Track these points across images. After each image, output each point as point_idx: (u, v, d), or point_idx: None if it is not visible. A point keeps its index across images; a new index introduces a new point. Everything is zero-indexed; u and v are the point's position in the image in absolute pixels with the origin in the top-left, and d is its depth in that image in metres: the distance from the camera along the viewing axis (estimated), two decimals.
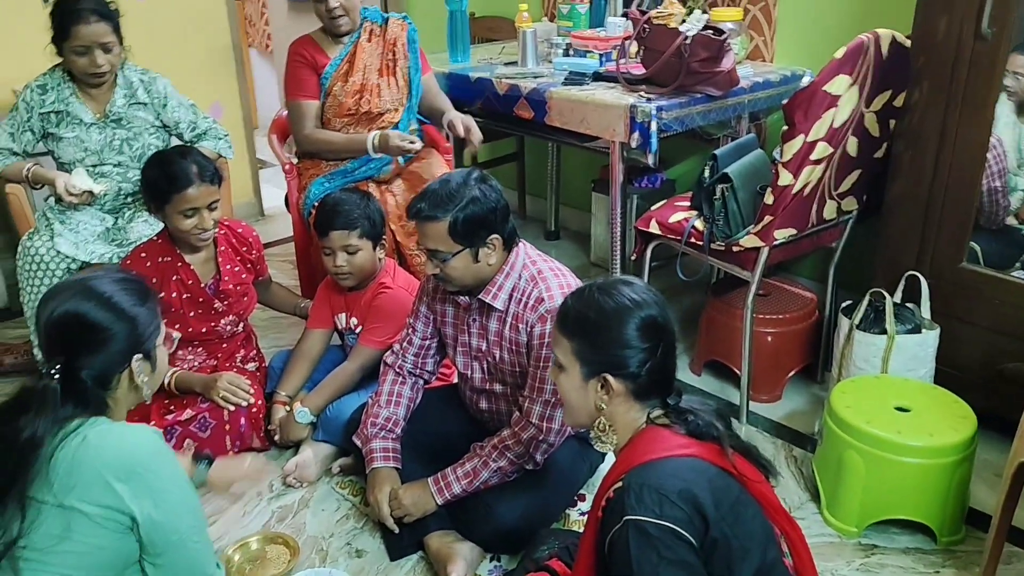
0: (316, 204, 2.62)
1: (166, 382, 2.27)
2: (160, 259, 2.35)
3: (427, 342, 2.19)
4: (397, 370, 2.20)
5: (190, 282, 2.35)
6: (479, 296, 1.99)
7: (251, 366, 2.53)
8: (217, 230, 2.37)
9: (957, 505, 2.03)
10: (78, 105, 2.50)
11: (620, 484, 1.28)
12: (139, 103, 2.58)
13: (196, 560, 1.42)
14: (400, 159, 2.72)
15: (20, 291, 2.48)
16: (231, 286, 2.42)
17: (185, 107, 2.68)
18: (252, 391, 2.34)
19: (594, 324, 1.41)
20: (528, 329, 1.95)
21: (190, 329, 2.38)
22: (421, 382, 2.24)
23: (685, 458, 1.30)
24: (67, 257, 2.43)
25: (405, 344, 2.20)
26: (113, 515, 1.31)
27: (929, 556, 2.02)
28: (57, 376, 1.36)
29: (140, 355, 1.46)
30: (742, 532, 1.26)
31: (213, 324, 2.41)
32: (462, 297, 2.05)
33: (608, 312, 1.40)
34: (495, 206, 1.92)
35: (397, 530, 2.02)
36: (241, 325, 2.53)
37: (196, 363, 2.44)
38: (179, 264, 2.35)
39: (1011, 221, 2.42)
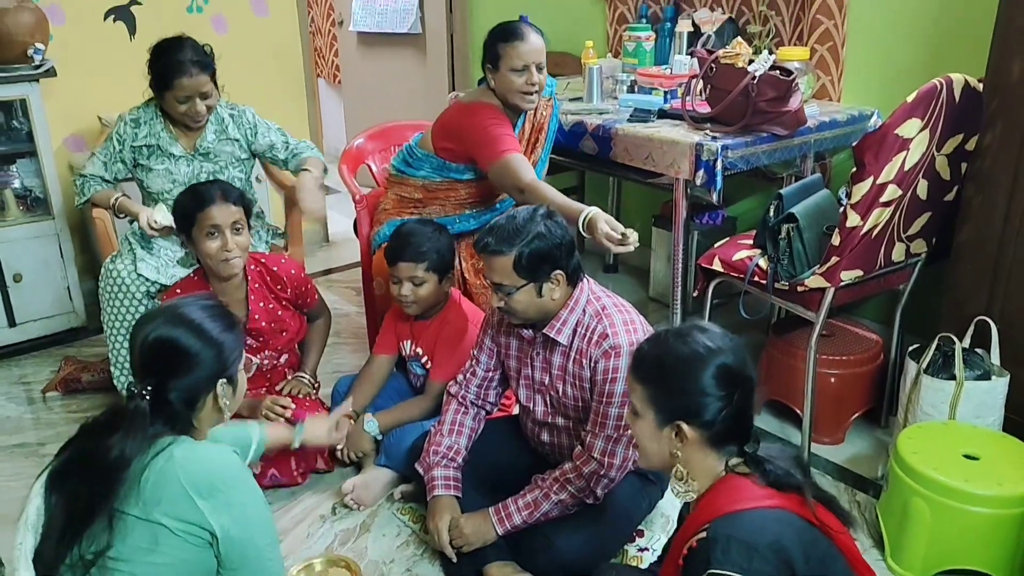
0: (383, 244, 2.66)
1: None
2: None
3: (490, 374, 2.23)
4: (460, 400, 2.24)
5: (218, 305, 2.39)
6: (543, 331, 2.02)
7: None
8: (245, 259, 2.37)
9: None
10: (169, 140, 2.61)
11: (704, 535, 1.26)
12: (229, 138, 2.68)
13: (270, 574, 1.47)
14: None
15: (101, 311, 2.58)
16: (263, 324, 2.43)
17: (274, 131, 2.76)
18: (294, 406, 2.37)
19: (669, 370, 1.40)
20: (592, 364, 1.97)
21: None
22: (483, 413, 2.27)
23: (772, 509, 1.28)
24: (147, 280, 2.53)
25: (469, 375, 2.24)
26: (195, 530, 1.37)
27: None
28: (148, 397, 1.43)
29: (224, 379, 1.52)
30: None
31: (248, 359, 2.45)
32: (526, 331, 2.08)
33: (683, 359, 1.38)
34: (560, 242, 1.95)
35: (456, 559, 2.04)
36: (283, 358, 2.56)
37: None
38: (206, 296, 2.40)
39: None
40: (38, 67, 3.05)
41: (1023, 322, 2.27)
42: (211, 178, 2.64)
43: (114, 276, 2.52)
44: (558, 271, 1.96)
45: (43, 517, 1.39)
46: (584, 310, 2.01)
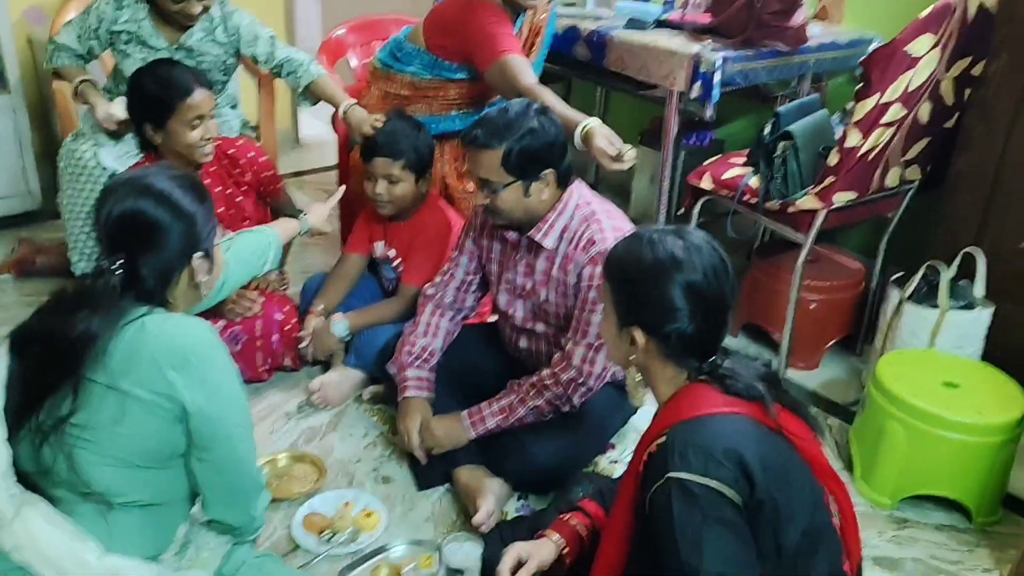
0: None
1: None
2: None
3: (470, 277, 2.15)
4: (436, 302, 2.17)
5: (187, 176, 2.26)
6: (528, 234, 1.95)
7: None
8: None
9: (997, 486, 2.00)
10: (151, 30, 2.43)
11: (663, 440, 1.23)
12: (216, 41, 2.50)
13: (243, 455, 1.42)
14: None
15: (60, 192, 2.45)
16: (221, 209, 2.26)
17: (263, 39, 2.56)
18: (261, 299, 2.30)
19: (632, 275, 1.33)
20: (577, 270, 1.91)
21: None
22: (460, 316, 2.20)
23: (732, 415, 1.24)
24: (106, 169, 2.39)
25: (447, 278, 2.16)
26: (163, 402, 1.31)
27: (963, 535, 1.99)
28: (119, 272, 1.35)
29: (200, 253, 1.44)
30: (790, 494, 1.22)
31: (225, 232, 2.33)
32: (511, 234, 2.00)
33: (649, 266, 1.31)
34: (553, 140, 1.87)
35: (425, 461, 2.00)
36: None
37: None
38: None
39: None
40: None
41: (1012, 255, 2.24)
42: None
43: (76, 157, 2.38)
44: (549, 170, 1.88)
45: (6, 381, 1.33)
46: (573, 214, 1.93)
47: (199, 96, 2.11)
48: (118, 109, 2.34)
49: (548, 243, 1.93)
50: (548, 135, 1.86)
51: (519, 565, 1.53)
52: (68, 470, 1.30)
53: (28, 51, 3.25)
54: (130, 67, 2.43)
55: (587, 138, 2.07)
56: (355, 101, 2.46)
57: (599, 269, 1.85)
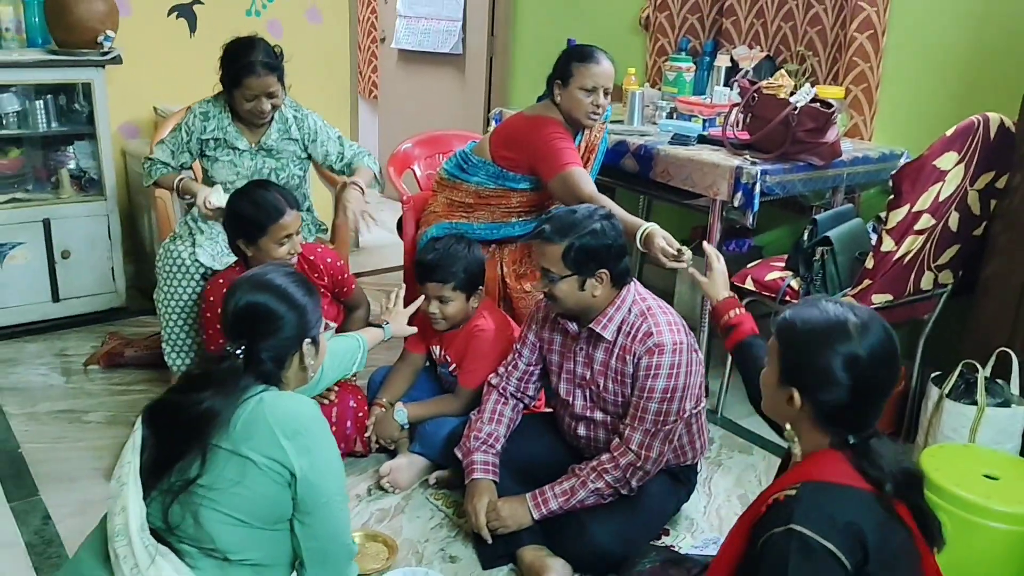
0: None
1: None
2: None
3: (531, 368, 2.31)
4: (500, 391, 2.32)
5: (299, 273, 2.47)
6: (589, 325, 2.12)
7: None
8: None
9: None
10: (235, 134, 2.72)
11: (794, 493, 1.30)
12: (291, 138, 2.79)
13: (338, 524, 1.57)
14: None
15: (157, 290, 2.66)
16: None
17: (333, 140, 2.87)
18: (336, 388, 2.46)
19: (801, 336, 1.38)
20: (635, 360, 2.06)
21: None
22: (521, 405, 2.35)
23: (861, 490, 1.30)
24: (202, 265, 2.63)
25: (510, 368, 2.32)
26: (277, 467, 1.47)
27: None
28: (241, 356, 1.55)
29: (309, 339, 1.64)
30: (894, 570, 1.28)
31: (327, 323, 2.52)
32: (571, 326, 2.17)
33: (818, 331, 1.35)
34: (611, 243, 2.06)
35: (491, 540, 2.11)
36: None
37: None
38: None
39: None
40: (106, 54, 3.17)
41: None
42: (272, 174, 2.76)
43: (174, 256, 2.61)
44: (603, 270, 2.06)
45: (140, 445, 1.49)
46: (630, 309, 2.10)
47: (289, 218, 2.33)
48: (215, 197, 2.60)
49: (607, 334, 2.10)
50: (608, 238, 2.06)
51: None
52: (194, 527, 1.46)
53: (122, 162, 3.58)
54: (219, 170, 2.72)
55: (648, 240, 2.29)
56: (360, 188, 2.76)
57: (656, 359, 2.02)
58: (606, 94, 2.63)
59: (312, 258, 2.57)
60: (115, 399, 2.86)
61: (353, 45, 4.22)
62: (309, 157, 2.88)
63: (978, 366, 2.36)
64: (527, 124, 2.68)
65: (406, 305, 2.53)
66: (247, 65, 2.59)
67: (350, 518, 1.61)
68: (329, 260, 2.61)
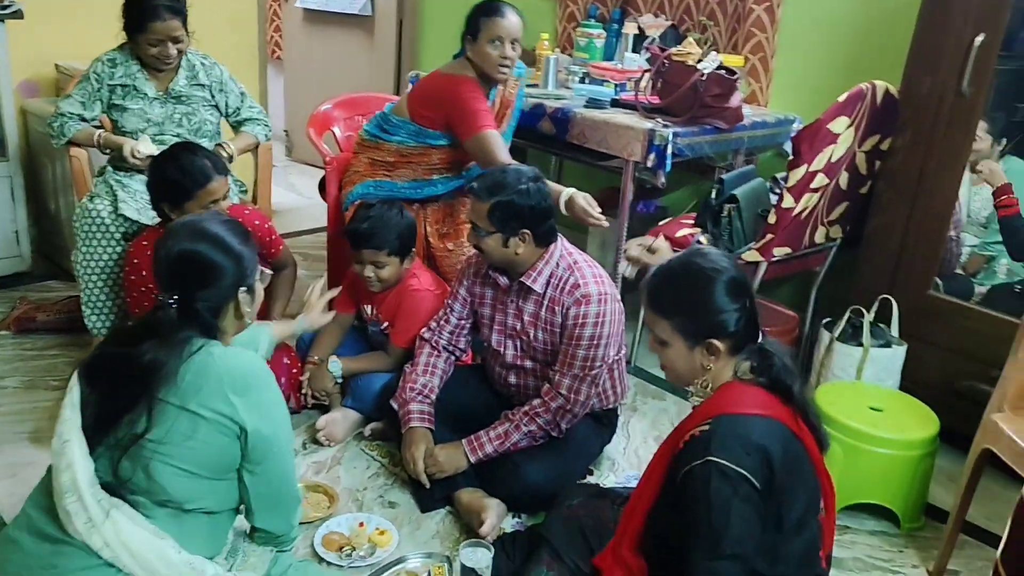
0: (355, 203, 2.81)
1: None
2: None
3: (463, 322, 2.42)
4: (433, 344, 2.42)
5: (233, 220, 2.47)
6: (520, 279, 2.24)
7: None
8: None
9: (919, 496, 2.33)
10: (143, 81, 2.70)
11: (708, 427, 1.46)
12: (199, 83, 2.79)
13: (286, 472, 1.66)
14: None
15: (75, 251, 2.62)
16: None
17: (235, 94, 2.89)
18: None
19: (687, 299, 1.56)
20: (564, 311, 2.20)
21: None
22: (453, 358, 2.46)
23: (766, 418, 1.48)
24: (128, 220, 2.60)
25: (442, 322, 2.42)
26: (227, 422, 1.52)
27: (893, 539, 2.30)
28: (174, 306, 1.56)
29: (244, 288, 1.66)
30: (796, 483, 1.48)
31: (262, 270, 2.52)
32: (502, 279, 2.28)
33: (697, 285, 1.55)
34: (534, 205, 2.17)
35: (428, 485, 2.22)
36: None
37: None
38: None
39: (960, 272, 2.80)
40: (5, 8, 3.05)
41: (920, 301, 2.64)
42: (184, 119, 2.76)
43: (92, 215, 2.57)
44: (526, 230, 2.17)
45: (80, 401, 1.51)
46: (558, 263, 2.23)
47: (215, 183, 2.32)
48: (144, 146, 2.59)
49: (537, 287, 2.22)
50: (531, 199, 2.16)
51: None
52: (146, 480, 1.50)
53: (22, 121, 3.44)
54: (128, 119, 2.70)
55: (570, 203, 2.44)
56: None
57: (583, 309, 2.16)
58: (514, 46, 2.70)
59: (240, 221, 2.56)
60: (29, 364, 2.80)
61: (262, 3, 4.15)
62: (215, 106, 2.88)
63: (864, 311, 2.61)
64: (443, 82, 2.76)
65: (331, 279, 2.56)
66: (151, 9, 2.57)
67: (296, 465, 1.69)
68: (257, 222, 2.62)
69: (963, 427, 2.28)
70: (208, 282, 1.59)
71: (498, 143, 2.65)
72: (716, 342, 1.54)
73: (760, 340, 1.59)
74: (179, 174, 2.30)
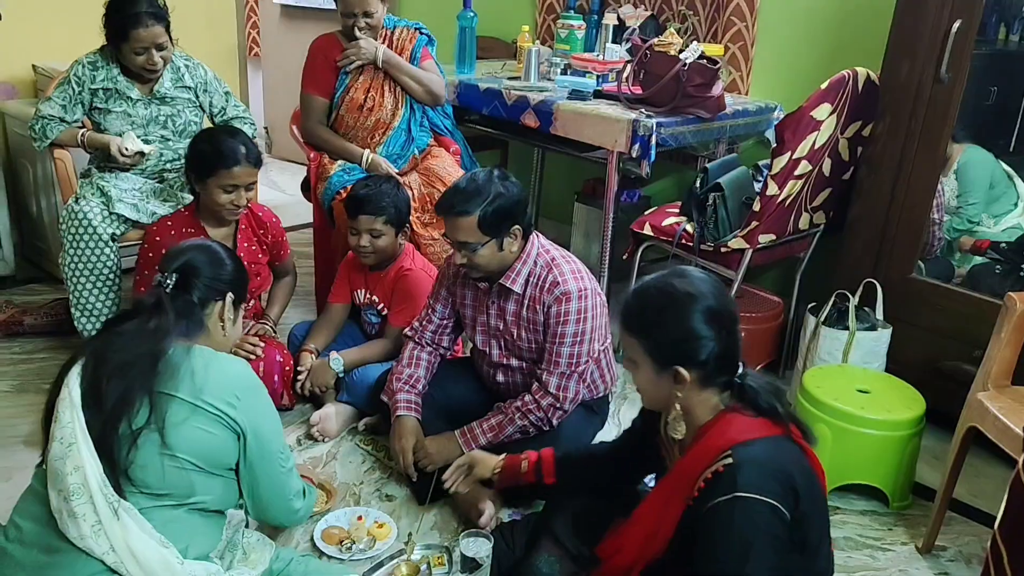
0: (339, 191, 2.84)
1: None
2: (184, 230, 2.51)
3: (445, 322, 2.42)
4: (416, 341, 2.42)
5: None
6: (500, 281, 2.23)
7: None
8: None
9: (907, 475, 2.38)
10: (126, 83, 2.69)
11: (729, 460, 1.37)
12: (184, 86, 2.79)
13: (283, 469, 1.70)
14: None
15: (63, 254, 2.60)
16: (246, 263, 2.58)
17: (219, 94, 2.89)
18: (262, 344, 2.53)
19: (658, 320, 1.48)
20: (545, 309, 2.20)
21: None
22: (437, 354, 2.45)
23: (777, 438, 1.42)
24: (122, 219, 2.60)
25: (424, 322, 2.42)
26: (226, 419, 1.56)
27: (882, 518, 2.35)
28: (171, 285, 1.62)
29: (233, 295, 1.72)
30: (815, 502, 1.42)
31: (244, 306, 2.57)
32: (482, 282, 2.29)
33: (669, 307, 1.46)
34: (517, 199, 2.18)
35: (415, 478, 2.22)
36: (251, 302, 2.70)
37: None
38: (201, 237, 2.50)
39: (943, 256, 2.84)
40: None
41: (903, 284, 2.68)
42: (169, 120, 2.76)
43: (79, 217, 2.55)
44: (516, 226, 2.18)
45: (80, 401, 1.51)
46: (536, 261, 2.23)
47: (240, 169, 2.41)
48: (130, 142, 2.60)
49: (517, 288, 2.22)
50: (513, 196, 2.16)
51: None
52: (149, 473, 1.51)
53: (0, 124, 3.41)
54: (112, 122, 2.69)
55: (373, 166, 2.88)
56: None
57: (564, 307, 2.17)
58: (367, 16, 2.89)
59: (260, 214, 2.65)
60: (19, 368, 2.79)
61: (239, 2, 4.13)
62: (200, 106, 2.87)
63: (849, 296, 2.65)
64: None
65: (320, 275, 2.60)
66: (133, 16, 2.56)
67: (294, 467, 1.74)
68: (274, 220, 2.71)
69: (948, 407, 2.32)
70: (210, 269, 1.68)
71: (307, 107, 3.01)
72: (682, 370, 1.46)
73: (740, 374, 1.49)
74: (208, 148, 2.41)
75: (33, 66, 3.44)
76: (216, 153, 2.41)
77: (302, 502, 1.77)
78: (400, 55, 2.99)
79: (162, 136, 2.75)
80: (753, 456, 1.38)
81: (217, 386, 1.55)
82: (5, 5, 3.13)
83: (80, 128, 2.71)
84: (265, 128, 5.54)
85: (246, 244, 2.61)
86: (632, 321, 1.53)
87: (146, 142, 2.69)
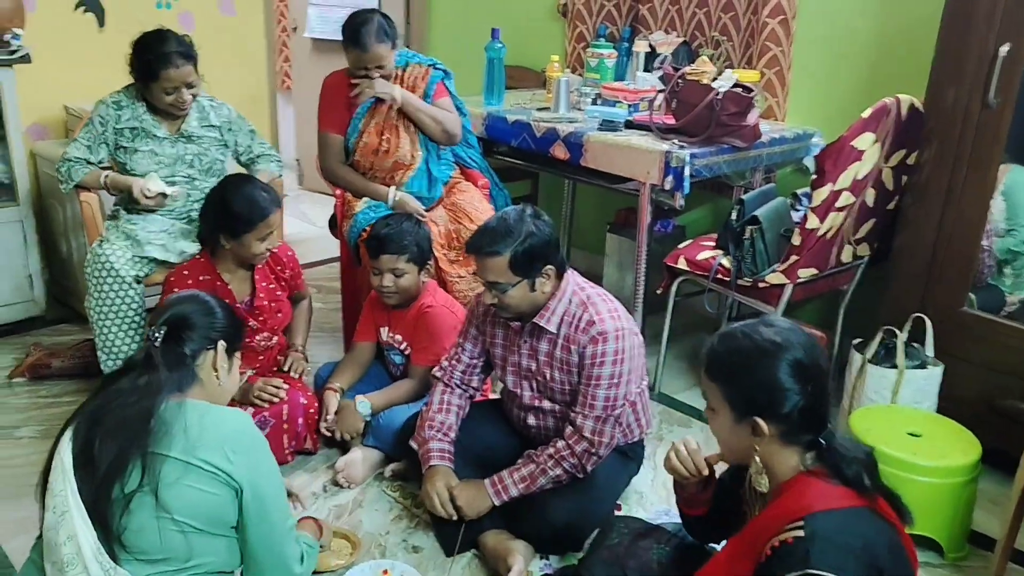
0: (365, 229, 2.79)
1: None
2: (200, 277, 2.48)
3: (475, 361, 2.34)
4: (445, 383, 2.35)
5: (226, 301, 2.48)
6: (533, 320, 2.16)
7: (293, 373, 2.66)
8: None
9: (963, 524, 2.24)
10: (152, 122, 2.67)
11: (800, 531, 1.28)
12: (210, 124, 2.77)
13: (282, 531, 1.63)
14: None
15: (88, 297, 2.59)
16: (265, 302, 2.55)
17: (244, 132, 2.86)
18: (285, 386, 2.47)
19: (740, 368, 1.41)
20: (580, 350, 2.11)
21: None
22: (467, 395, 2.38)
23: (859, 509, 1.32)
24: (150, 261, 2.59)
25: (453, 361, 2.35)
26: (224, 477, 1.50)
27: (938, 570, 2.21)
28: (160, 338, 1.56)
29: (226, 344, 1.67)
30: None
31: (248, 340, 2.54)
32: (514, 322, 2.21)
33: (754, 355, 1.40)
34: (549, 239, 2.10)
35: (455, 517, 2.13)
36: (275, 339, 2.65)
37: None
38: (217, 283, 2.48)
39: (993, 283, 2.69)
40: (14, 52, 3.03)
41: (953, 318, 2.55)
42: (196, 159, 2.74)
43: (102, 261, 2.53)
44: (549, 266, 2.10)
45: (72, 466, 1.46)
46: (571, 300, 2.15)
47: (274, 216, 2.43)
48: (153, 183, 2.58)
49: (551, 327, 2.14)
50: (545, 235, 2.09)
51: None
52: (144, 537, 1.45)
53: (32, 165, 3.42)
54: (139, 161, 2.67)
55: (400, 205, 2.81)
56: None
57: (600, 348, 2.08)
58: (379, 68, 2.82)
59: (275, 251, 2.61)
60: (44, 412, 2.76)
61: (270, 36, 4.14)
62: (226, 145, 2.86)
63: (896, 331, 2.53)
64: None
65: (347, 310, 2.55)
66: (163, 56, 2.55)
67: (293, 520, 1.68)
68: (290, 253, 2.70)
69: (1006, 447, 2.20)
70: (201, 319, 1.64)
71: (324, 146, 2.95)
72: (761, 422, 1.40)
73: (826, 433, 1.41)
74: (246, 206, 2.40)
75: (64, 107, 3.46)
76: (255, 207, 2.41)
77: (301, 568, 1.69)
78: (413, 92, 2.93)
79: (188, 175, 2.73)
80: (829, 530, 1.28)
81: (212, 441, 1.50)
82: (35, 47, 3.14)
83: (105, 169, 2.70)
84: (296, 160, 5.55)
85: (264, 283, 2.57)
86: (714, 366, 1.47)
87: (172, 182, 2.67)
